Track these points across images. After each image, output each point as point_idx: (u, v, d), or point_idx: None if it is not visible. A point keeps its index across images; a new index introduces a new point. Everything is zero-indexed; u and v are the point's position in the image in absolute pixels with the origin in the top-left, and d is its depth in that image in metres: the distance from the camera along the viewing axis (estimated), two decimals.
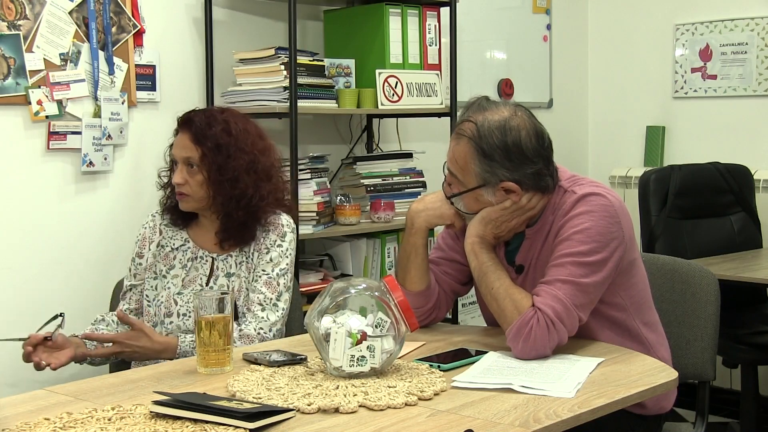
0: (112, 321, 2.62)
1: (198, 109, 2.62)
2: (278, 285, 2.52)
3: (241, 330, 2.44)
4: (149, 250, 2.62)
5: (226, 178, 2.49)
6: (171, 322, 2.52)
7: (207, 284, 2.55)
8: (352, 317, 1.92)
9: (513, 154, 2.11)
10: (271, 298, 2.50)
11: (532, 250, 2.21)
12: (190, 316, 2.51)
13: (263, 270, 2.53)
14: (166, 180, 2.64)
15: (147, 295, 2.59)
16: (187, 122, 2.55)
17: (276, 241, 2.55)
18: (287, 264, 2.55)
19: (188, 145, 2.52)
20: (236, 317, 2.46)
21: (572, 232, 2.10)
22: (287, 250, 2.56)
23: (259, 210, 2.53)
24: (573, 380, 1.85)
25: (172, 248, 2.61)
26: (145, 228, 2.65)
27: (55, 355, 2.40)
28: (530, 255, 2.22)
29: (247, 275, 2.54)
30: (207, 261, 2.58)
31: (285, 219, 2.59)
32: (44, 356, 2.37)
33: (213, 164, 2.49)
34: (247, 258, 2.56)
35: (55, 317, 2.41)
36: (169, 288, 2.56)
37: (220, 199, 2.51)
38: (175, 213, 2.61)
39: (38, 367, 2.38)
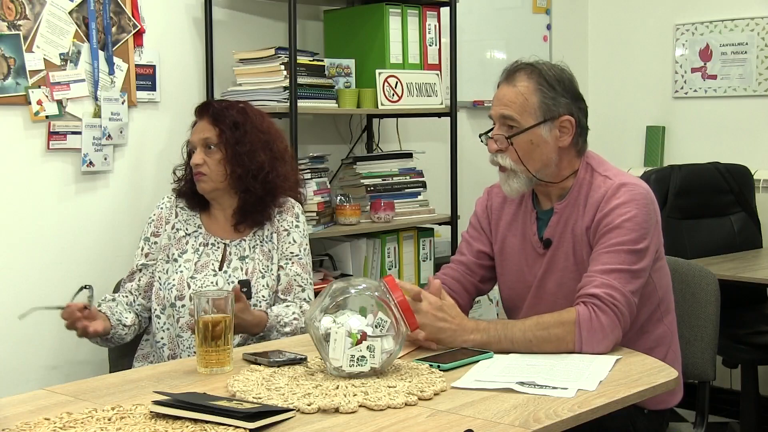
0: (122, 302, 2.64)
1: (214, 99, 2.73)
2: (307, 264, 2.67)
3: (302, 308, 2.57)
4: (165, 230, 2.66)
5: (244, 151, 2.58)
6: (183, 305, 2.55)
7: (220, 269, 2.60)
8: (352, 317, 1.92)
9: (568, 87, 2.27)
10: (306, 278, 2.65)
11: (560, 224, 2.27)
12: None
13: (292, 252, 2.64)
14: (180, 174, 2.72)
15: (159, 278, 2.62)
16: (204, 107, 2.67)
17: (293, 222, 2.66)
18: (307, 244, 2.69)
19: (207, 127, 2.61)
20: (250, 296, 2.54)
21: (621, 220, 2.16)
22: (304, 231, 2.68)
23: (277, 188, 2.62)
24: (594, 378, 1.87)
25: (185, 233, 2.65)
26: (161, 208, 2.68)
27: (93, 323, 2.44)
28: (558, 230, 2.27)
29: (263, 258, 2.61)
30: (219, 247, 2.63)
31: (293, 202, 2.70)
32: (85, 322, 2.41)
33: (231, 139, 2.59)
34: (262, 242, 2.63)
35: (82, 289, 2.43)
36: (181, 272, 2.59)
37: (239, 172, 2.58)
38: (191, 198, 2.67)
39: (84, 334, 2.43)
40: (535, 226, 2.32)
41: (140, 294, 2.65)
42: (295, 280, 2.62)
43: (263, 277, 2.59)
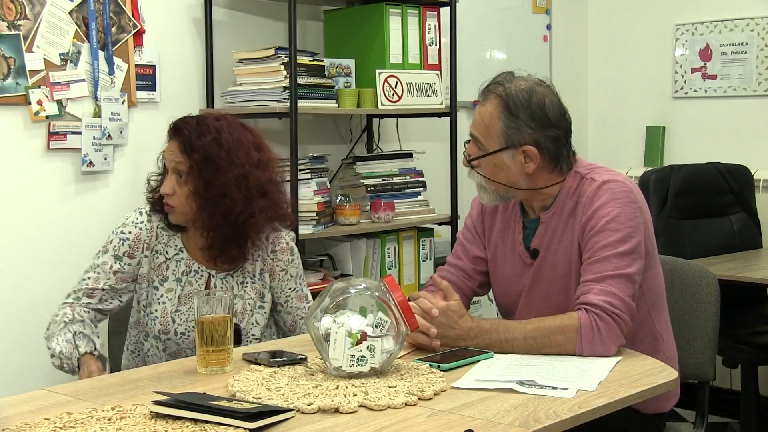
0: (88, 322, 2.42)
1: (191, 116, 2.47)
2: (304, 291, 2.58)
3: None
4: (145, 255, 2.46)
5: (213, 194, 2.35)
6: (168, 339, 2.45)
7: None
8: (352, 317, 1.92)
9: (537, 115, 2.18)
10: (306, 305, 2.57)
11: (547, 234, 2.25)
12: (189, 335, 2.43)
13: (291, 288, 2.55)
14: (155, 184, 2.50)
15: (138, 300, 2.48)
16: (177, 130, 2.40)
17: (289, 259, 2.53)
18: (302, 270, 2.59)
19: (177, 153, 2.38)
20: (239, 341, 2.39)
21: (605, 222, 2.14)
22: (299, 262, 2.57)
23: (249, 227, 2.39)
24: (594, 378, 1.86)
25: (166, 257, 2.46)
26: (140, 229, 2.45)
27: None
28: (545, 239, 2.25)
29: (254, 295, 2.49)
30: (203, 276, 2.47)
31: (286, 237, 2.53)
32: None
33: (200, 178, 2.35)
34: (252, 278, 2.50)
35: None
36: (164, 303, 2.44)
37: (206, 214, 2.37)
38: (166, 214, 2.46)
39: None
40: (521, 236, 2.31)
41: (100, 310, 2.45)
42: (297, 314, 2.56)
43: (253, 315, 2.49)
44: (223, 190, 2.35)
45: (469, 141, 2.27)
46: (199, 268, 2.47)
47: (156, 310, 2.45)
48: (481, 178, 2.26)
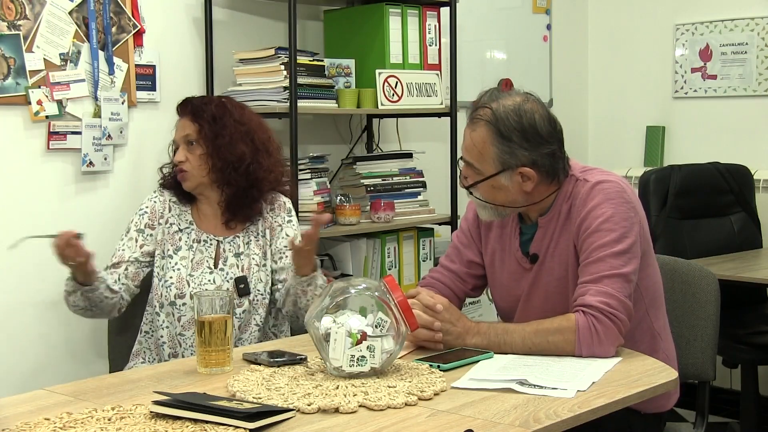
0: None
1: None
2: None
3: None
4: (160, 224, 2.65)
5: (223, 143, 2.58)
6: (183, 304, 2.57)
7: (215, 266, 2.61)
8: (352, 317, 1.93)
9: (529, 135, 2.16)
10: None
11: (545, 239, 2.25)
12: None
13: (286, 247, 2.65)
14: (167, 171, 2.72)
15: (157, 273, 2.62)
16: (184, 104, 2.68)
17: (285, 217, 2.68)
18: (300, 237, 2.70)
19: (187, 124, 2.63)
20: (248, 292, 2.57)
21: (599, 222, 2.13)
22: (296, 225, 2.70)
23: (261, 180, 2.61)
24: (587, 379, 1.86)
25: (179, 228, 2.65)
26: (155, 202, 2.68)
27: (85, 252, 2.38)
28: (544, 244, 2.25)
29: (258, 251, 2.63)
30: (212, 244, 2.64)
31: (283, 197, 2.71)
32: (75, 250, 2.34)
33: (210, 134, 2.59)
34: (256, 237, 2.65)
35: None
36: (179, 269, 2.59)
37: (220, 165, 2.58)
38: (179, 189, 2.67)
39: (75, 259, 2.36)
40: (518, 241, 2.30)
41: (126, 276, 2.61)
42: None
43: (259, 271, 2.62)
44: (231, 140, 2.59)
45: (462, 159, 2.25)
46: (208, 237, 2.65)
47: (171, 277, 2.59)
48: (478, 198, 2.25)
